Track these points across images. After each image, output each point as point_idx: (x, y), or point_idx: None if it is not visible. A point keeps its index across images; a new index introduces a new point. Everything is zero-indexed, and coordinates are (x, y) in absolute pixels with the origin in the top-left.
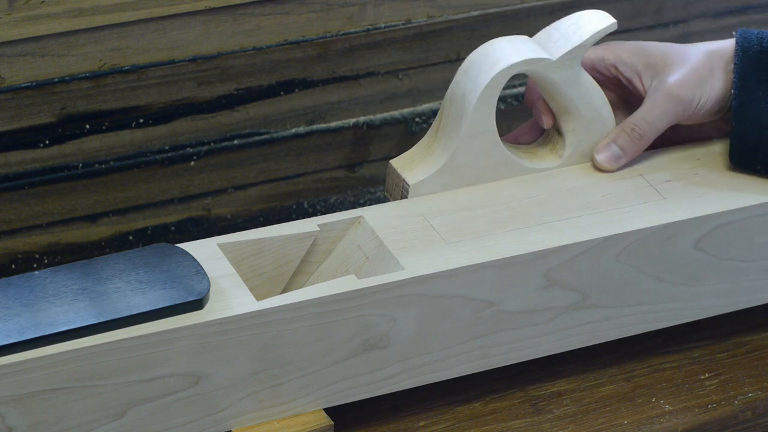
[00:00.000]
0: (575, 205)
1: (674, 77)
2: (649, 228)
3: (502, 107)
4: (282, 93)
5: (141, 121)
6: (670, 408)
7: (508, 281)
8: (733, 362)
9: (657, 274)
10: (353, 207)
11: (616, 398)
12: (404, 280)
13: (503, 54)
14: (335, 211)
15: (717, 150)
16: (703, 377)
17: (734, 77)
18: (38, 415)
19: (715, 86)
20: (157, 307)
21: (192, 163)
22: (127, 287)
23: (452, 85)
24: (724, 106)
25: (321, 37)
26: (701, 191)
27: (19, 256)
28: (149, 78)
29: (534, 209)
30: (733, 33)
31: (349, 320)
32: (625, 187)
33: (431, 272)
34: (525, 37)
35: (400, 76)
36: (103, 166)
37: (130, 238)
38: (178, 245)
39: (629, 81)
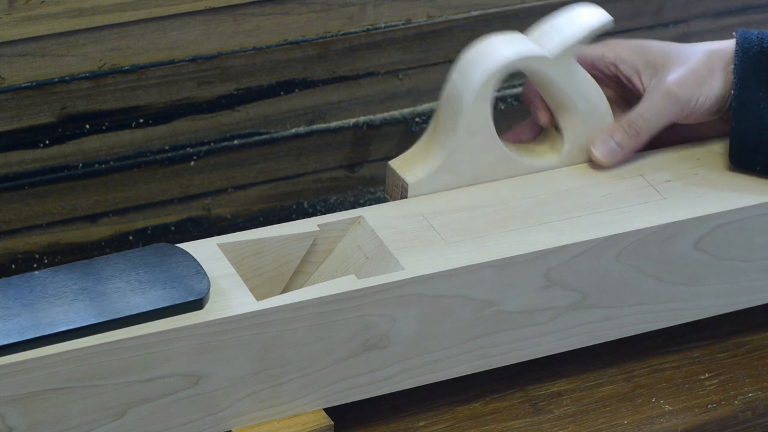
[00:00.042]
0: (575, 205)
1: (673, 76)
2: (649, 228)
3: (502, 107)
4: (282, 93)
5: (141, 121)
6: (670, 408)
7: (508, 281)
8: (733, 362)
9: (657, 274)
10: (353, 207)
11: (616, 398)
12: (404, 280)
13: (497, 51)
14: (335, 211)
15: (717, 150)
16: (703, 377)
17: (734, 78)
18: (38, 415)
19: (714, 86)
20: (157, 307)
21: (192, 163)
22: (127, 287)
23: (447, 84)
24: (723, 106)
25: (321, 37)
26: (701, 191)
27: (19, 256)
28: (149, 78)
29: (534, 209)
30: (734, 33)
31: (349, 320)
32: (625, 187)
33: (431, 272)
34: (519, 34)
35: (400, 76)
36: (103, 166)
37: (130, 238)
38: (178, 245)
39: (629, 79)
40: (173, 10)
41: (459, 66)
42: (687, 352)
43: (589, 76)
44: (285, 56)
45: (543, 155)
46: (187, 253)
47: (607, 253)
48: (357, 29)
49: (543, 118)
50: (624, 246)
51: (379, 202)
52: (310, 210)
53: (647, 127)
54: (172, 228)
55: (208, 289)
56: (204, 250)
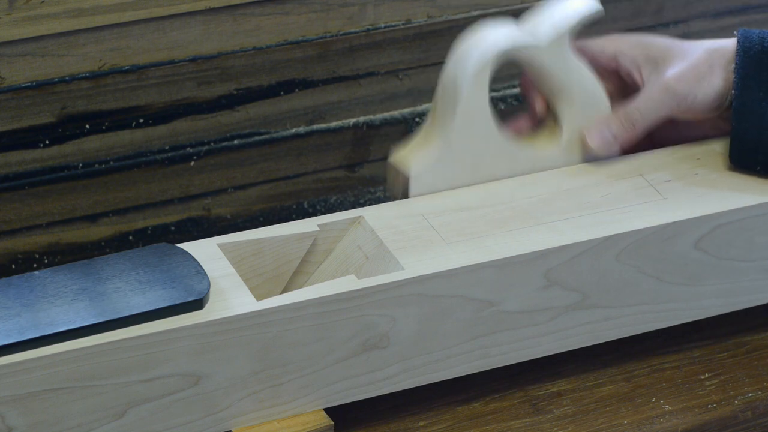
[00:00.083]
0: (575, 205)
1: (673, 71)
2: (649, 228)
3: (502, 107)
4: (282, 93)
5: (141, 121)
6: (670, 408)
7: (508, 281)
8: (733, 362)
9: (657, 274)
10: (353, 207)
11: (616, 398)
12: (404, 280)
13: (490, 41)
14: (335, 211)
15: (717, 150)
16: (703, 377)
17: (735, 77)
18: (38, 415)
19: (713, 83)
20: (157, 307)
21: (192, 163)
22: (127, 287)
23: (442, 76)
24: (722, 104)
25: (321, 37)
26: (701, 191)
27: (19, 256)
28: (149, 78)
29: (534, 209)
30: (735, 32)
31: (349, 320)
32: (625, 187)
33: (431, 272)
34: (512, 24)
35: (400, 76)
36: (103, 166)
37: (130, 238)
38: (178, 245)
39: (628, 73)
40: (173, 10)
41: (453, 57)
42: (687, 352)
43: (585, 64)
44: (285, 56)
45: (542, 146)
46: (187, 253)
47: (607, 253)
48: (357, 29)
49: (539, 108)
50: (624, 246)
51: (379, 202)
52: (310, 210)
53: (643, 120)
54: (172, 228)
55: (208, 289)
56: (204, 250)
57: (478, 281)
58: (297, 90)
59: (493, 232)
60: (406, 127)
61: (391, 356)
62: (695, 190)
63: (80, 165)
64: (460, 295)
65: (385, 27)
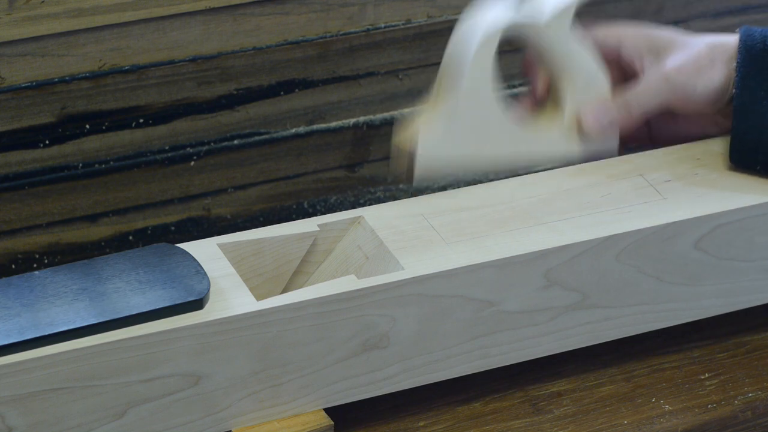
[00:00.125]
0: (575, 205)
1: (673, 62)
2: (649, 228)
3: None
4: (282, 93)
5: (141, 121)
6: (670, 408)
7: (508, 281)
8: (733, 362)
9: (657, 274)
10: (353, 207)
11: (616, 398)
12: (404, 280)
13: (492, 18)
14: (335, 211)
15: (717, 150)
16: (703, 377)
17: (736, 76)
18: (38, 415)
19: (713, 77)
20: (157, 307)
21: (192, 163)
22: (127, 287)
23: (446, 53)
24: (721, 99)
25: (321, 37)
26: (701, 191)
27: (19, 256)
28: (149, 78)
29: (534, 209)
30: (737, 30)
31: (349, 320)
32: (625, 187)
33: (431, 272)
34: (513, 3)
35: (400, 76)
36: (103, 166)
37: (130, 238)
38: (178, 245)
39: (630, 62)
40: (173, 10)
41: (457, 34)
42: (687, 352)
43: (587, 44)
44: (285, 56)
45: (544, 127)
46: (187, 253)
47: (607, 253)
48: (357, 29)
49: (540, 88)
50: (624, 246)
51: (379, 202)
52: (310, 210)
53: (640, 108)
54: (172, 228)
55: (208, 289)
56: (204, 250)
57: (478, 281)
58: (297, 90)
59: (493, 232)
60: None
61: (391, 356)
62: (695, 190)
63: (80, 165)
64: (460, 295)
65: (385, 27)
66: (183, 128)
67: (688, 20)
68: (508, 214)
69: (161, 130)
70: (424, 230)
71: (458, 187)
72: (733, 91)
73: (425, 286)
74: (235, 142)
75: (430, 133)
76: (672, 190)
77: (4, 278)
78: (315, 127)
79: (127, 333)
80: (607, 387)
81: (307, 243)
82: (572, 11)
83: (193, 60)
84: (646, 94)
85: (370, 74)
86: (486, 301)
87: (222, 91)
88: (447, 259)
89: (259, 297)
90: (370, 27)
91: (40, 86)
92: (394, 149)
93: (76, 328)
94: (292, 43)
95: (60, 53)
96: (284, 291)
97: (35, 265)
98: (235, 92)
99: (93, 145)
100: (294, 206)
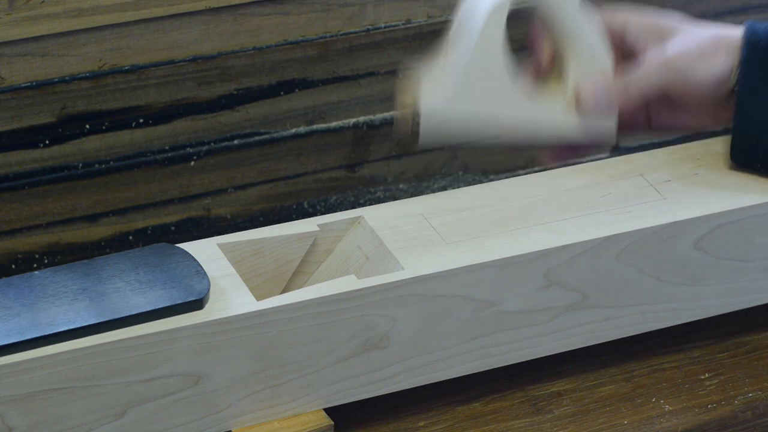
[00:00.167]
0: (575, 205)
1: (675, 47)
2: (649, 228)
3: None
4: (282, 93)
5: (141, 121)
6: (670, 408)
7: (508, 281)
8: (733, 362)
9: (657, 274)
10: (353, 207)
11: (616, 398)
12: (404, 280)
13: None
14: (335, 211)
15: (717, 150)
16: (703, 377)
17: (739, 73)
18: (38, 415)
19: (714, 66)
20: (157, 307)
21: (192, 163)
22: (127, 287)
23: (455, 21)
24: (721, 90)
25: (321, 37)
26: (701, 191)
27: (19, 256)
28: (149, 78)
29: (534, 209)
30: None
31: (349, 320)
32: (625, 187)
33: (431, 272)
34: None
35: (400, 76)
36: (103, 166)
37: (130, 238)
38: (178, 245)
39: (633, 45)
40: (173, 10)
41: (466, 2)
42: (687, 352)
43: (594, 21)
44: (285, 56)
45: (547, 98)
46: (187, 253)
47: (607, 253)
48: (357, 29)
49: (545, 60)
50: (624, 246)
51: (379, 202)
52: (310, 210)
53: (638, 89)
54: (172, 228)
55: (208, 289)
56: (204, 250)
57: (478, 281)
58: (297, 90)
59: (493, 232)
60: None
61: (391, 356)
62: (695, 190)
63: (80, 165)
64: (460, 295)
65: (385, 27)
66: (183, 128)
67: None
68: (508, 214)
69: (161, 130)
70: (424, 230)
71: (458, 186)
72: (734, 82)
73: (425, 286)
74: (235, 142)
75: (436, 90)
76: (672, 190)
77: (4, 278)
78: (315, 127)
79: (127, 333)
80: (607, 387)
81: (307, 243)
82: None
83: (193, 60)
84: (645, 76)
85: (370, 74)
86: (486, 301)
87: (222, 91)
88: (447, 259)
89: (259, 297)
90: (370, 27)
91: (40, 86)
92: (398, 109)
93: (76, 328)
94: (292, 43)
95: (60, 53)
96: (284, 291)
97: (35, 265)
98: (235, 92)
99: (93, 145)
100: (294, 206)
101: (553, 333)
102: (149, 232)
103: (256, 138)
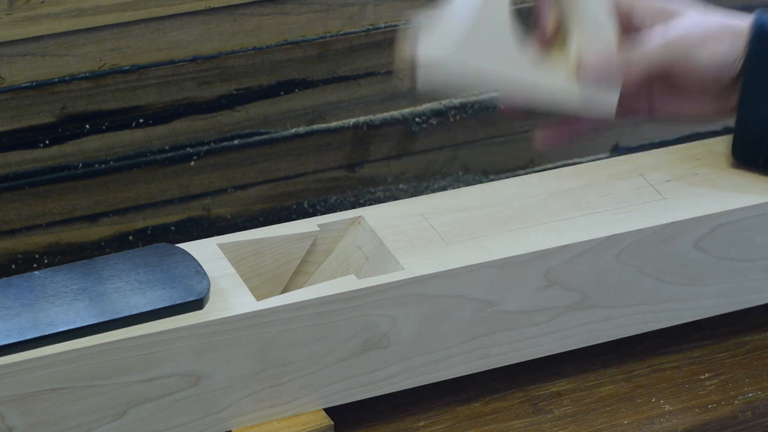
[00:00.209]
0: (575, 205)
1: (680, 27)
2: (649, 228)
3: (502, 107)
4: (282, 93)
5: (141, 121)
6: (670, 408)
7: (508, 281)
8: (733, 362)
9: (657, 274)
10: (353, 207)
11: (616, 398)
12: (404, 280)
13: None
14: (335, 211)
15: (717, 150)
16: (703, 377)
17: (745, 66)
18: (38, 415)
19: (718, 51)
20: (157, 307)
21: (192, 163)
22: (127, 287)
23: None
24: (723, 76)
25: (321, 37)
26: (701, 191)
27: (19, 256)
28: (149, 78)
29: (534, 209)
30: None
31: (349, 320)
32: (625, 187)
33: (431, 272)
34: None
35: (400, 76)
36: (103, 166)
37: (130, 238)
38: (178, 245)
39: (640, 25)
40: (173, 10)
41: None
42: (687, 352)
43: None
44: (285, 56)
45: (550, 64)
46: (187, 253)
47: (607, 253)
48: (357, 29)
49: (550, 28)
50: (624, 246)
51: (379, 202)
52: (310, 210)
53: (640, 64)
54: (172, 228)
55: (208, 289)
56: (204, 250)
57: (478, 281)
58: (297, 90)
59: (493, 232)
60: (406, 127)
61: (391, 356)
62: (695, 190)
63: (80, 165)
64: (460, 295)
65: (385, 27)
66: (183, 128)
67: None
68: (508, 214)
69: (161, 130)
70: (424, 230)
71: (458, 186)
72: (738, 71)
73: (425, 286)
74: (235, 142)
75: (439, 38)
76: (672, 190)
77: (4, 278)
78: (315, 127)
79: (127, 333)
80: (607, 387)
81: (307, 243)
82: None
83: (193, 60)
84: (648, 53)
85: (370, 74)
86: (486, 301)
87: (222, 91)
88: (447, 259)
89: (259, 297)
90: (370, 27)
91: (40, 86)
92: (401, 49)
93: (76, 328)
94: (292, 43)
95: (60, 53)
96: (284, 291)
97: (35, 265)
98: (235, 92)
99: (93, 145)
100: (294, 206)
101: (553, 333)
102: (149, 232)
103: (256, 138)
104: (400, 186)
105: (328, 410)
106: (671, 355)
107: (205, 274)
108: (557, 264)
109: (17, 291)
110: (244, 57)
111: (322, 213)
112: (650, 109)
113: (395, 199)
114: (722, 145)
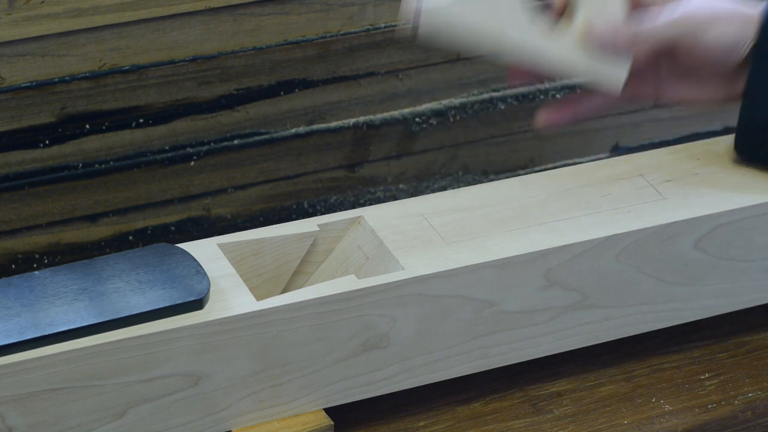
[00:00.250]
0: (575, 205)
1: (690, 7)
2: (649, 228)
3: (502, 107)
4: (282, 93)
5: (141, 121)
6: (670, 408)
7: (508, 281)
8: (733, 362)
9: (657, 274)
10: (353, 207)
11: (616, 398)
12: (404, 280)
13: None
14: (335, 211)
15: (717, 150)
16: (703, 377)
17: (752, 56)
18: (38, 415)
19: (727, 33)
20: (157, 307)
21: (192, 163)
22: (127, 287)
23: None
24: (730, 60)
25: (321, 37)
26: (701, 191)
27: (19, 256)
28: (149, 78)
29: (534, 209)
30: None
31: (349, 320)
32: (625, 187)
33: (431, 272)
34: None
35: (400, 76)
36: (103, 166)
37: (130, 238)
38: (178, 245)
39: (648, 4)
40: (173, 10)
41: None
42: (687, 352)
43: None
44: (285, 56)
45: (556, 32)
46: (187, 253)
47: (607, 253)
48: (357, 29)
49: (558, 2)
50: (624, 246)
51: (379, 202)
52: (310, 210)
53: (646, 39)
54: (172, 228)
55: (208, 289)
56: (204, 250)
57: (478, 281)
58: (297, 90)
59: (493, 232)
60: (406, 127)
61: (391, 356)
62: (695, 190)
63: (80, 165)
64: (460, 295)
65: (385, 27)
66: (183, 128)
67: None
68: (508, 214)
69: (161, 130)
70: (424, 230)
71: (458, 186)
72: (745, 56)
73: (425, 286)
74: (235, 142)
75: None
76: (672, 190)
77: (4, 278)
78: (315, 127)
79: (127, 333)
80: (607, 387)
81: (307, 243)
82: None
83: (193, 60)
84: (656, 29)
85: (370, 74)
86: (486, 301)
87: (222, 91)
88: (447, 259)
89: (259, 297)
90: (370, 27)
91: (40, 86)
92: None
93: (76, 328)
94: (292, 43)
95: (60, 53)
96: (284, 291)
97: (35, 265)
98: (235, 92)
99: (93, 145)
100: (294, 206)
101: (553, 333)
102: (149, 232)
103: (256, 138)
104: (400, 186)
105: (328, 410)
106: (671, 355)
107: (205, 274)
108: (557, 264)
109: (17, 291)
110: (244, 57)
111: (322, 213)
112: (657, 92)
113: (395, 199)
114: (722, 145)
